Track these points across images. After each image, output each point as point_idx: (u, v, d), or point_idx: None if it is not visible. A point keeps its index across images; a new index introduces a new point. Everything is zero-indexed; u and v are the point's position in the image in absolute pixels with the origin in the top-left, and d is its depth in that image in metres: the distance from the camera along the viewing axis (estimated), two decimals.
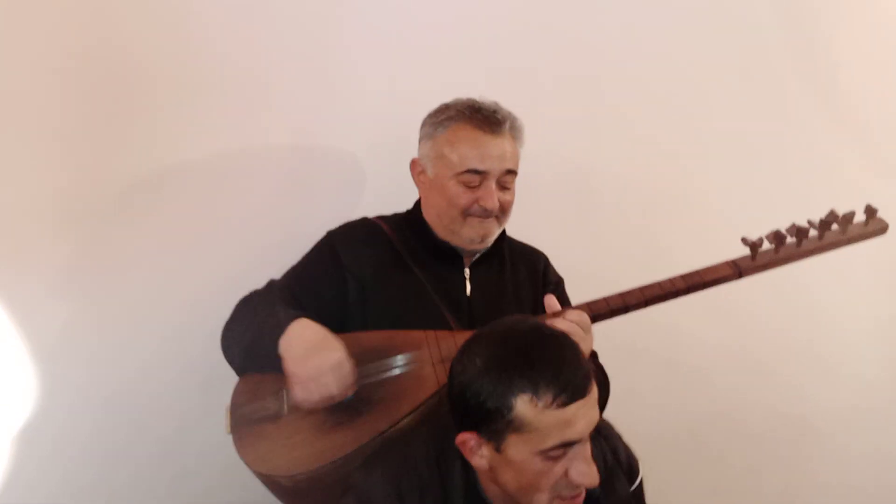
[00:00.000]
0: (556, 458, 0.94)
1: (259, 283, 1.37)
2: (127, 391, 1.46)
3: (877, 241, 1.35)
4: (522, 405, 0.92)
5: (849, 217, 1.30)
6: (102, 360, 1.43)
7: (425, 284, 1.29)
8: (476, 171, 1.25)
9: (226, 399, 1.26)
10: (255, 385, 1.19)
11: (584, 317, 1.21)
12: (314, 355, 1.11)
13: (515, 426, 0.93)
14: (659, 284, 1.27)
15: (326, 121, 1.57)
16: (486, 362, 0.95)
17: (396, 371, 1.19)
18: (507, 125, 1.28)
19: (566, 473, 0.95)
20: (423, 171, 1.32)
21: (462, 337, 1.17)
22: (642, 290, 1.26)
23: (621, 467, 1.14)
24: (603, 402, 1.32)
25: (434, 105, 1.35)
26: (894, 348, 2.23)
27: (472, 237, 1.29)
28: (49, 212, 1.34)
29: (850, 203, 1.32)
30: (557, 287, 1.46)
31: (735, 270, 1.28)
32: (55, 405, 1.38)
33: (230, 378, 1.31)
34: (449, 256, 1.33)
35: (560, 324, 1.18)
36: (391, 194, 1.46)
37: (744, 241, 1.28)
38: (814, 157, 2.05)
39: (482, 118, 1.26)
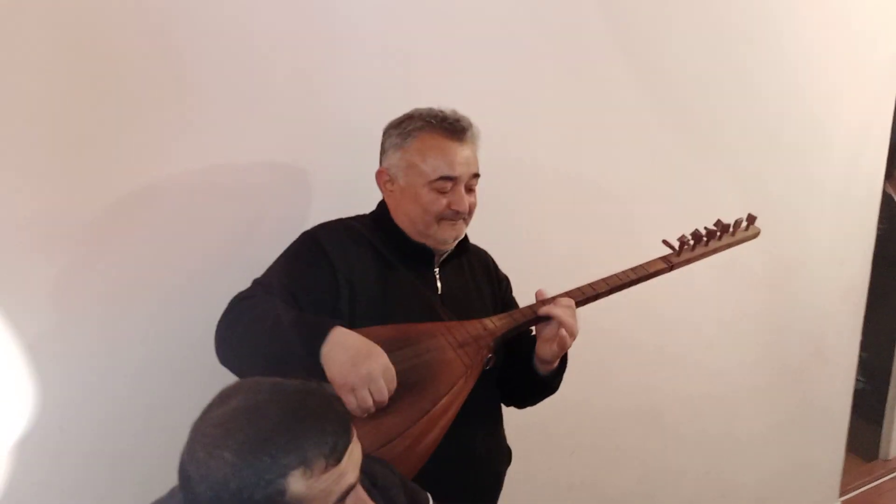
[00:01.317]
0: None
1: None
2: (127, 398, 1.46)
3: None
4: (296, 482, 0.81)
5: (738, 223, 1.56)
6: (102, 367, 1.43)
7: (414, 281, 1.34)
8: (448, 178, 1.29)
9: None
10: None
11: (573, 303, 1.33)
12: (363, 362, 1.11)
13: None
14: (616, 276, 1.43)
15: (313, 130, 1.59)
16: (240, 451, 0.80)
17: (424, 357, 1.23)
18: (469, 132, 1.33)
19: None
20: (390, 180, 1.35)
21: (469, 326, 1.29)
22: (606, 280, 1.42)
23: None
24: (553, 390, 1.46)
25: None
26: (736, 342, 2.46)
27: (446, 238, 1.34)
28: (41, 218, 1.34)
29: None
30: (507, 283, 1.55)
31: (668, 264, 1.48)
32: (54, 411, 1.37)
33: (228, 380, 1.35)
34: (423, 257, 1.37)
35: (554, 309, 1.29)
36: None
37: (665, 242, 1.51)
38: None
39: (448, 127, 1.30)
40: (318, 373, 1.12)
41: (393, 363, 1.16)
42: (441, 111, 1.32)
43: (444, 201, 1.30)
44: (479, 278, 1.47)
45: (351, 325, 1.20)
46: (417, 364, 1.21)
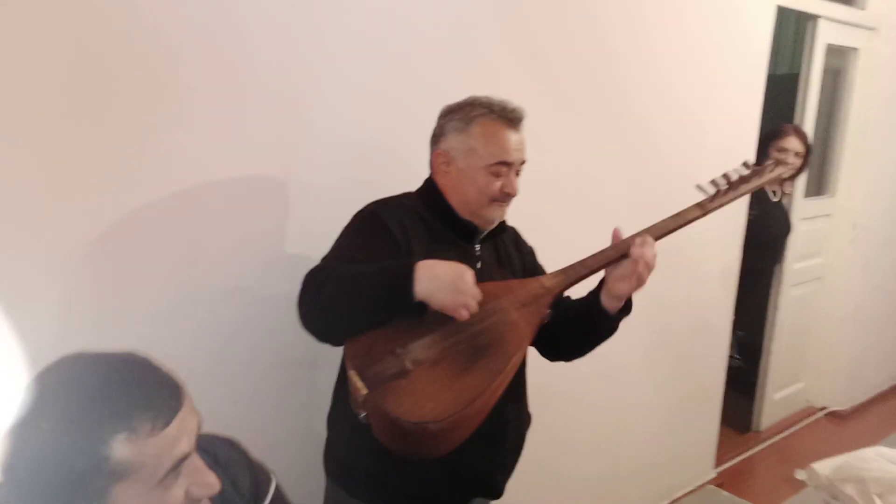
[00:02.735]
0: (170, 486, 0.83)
1: (254, 282, 1.56)
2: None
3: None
4: (120, 448, 0.78)
5: (767, 166, 1.59)
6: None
7: (462, 255, 1.41)
8: (504, 163, 1.39)
9: (222, 396, 1.44)
10: (367, 348, 1.25)
11: (650, 238, 1.39)
12: (458, 280, 1.21)
13: (118, 474, 0.79)
14: (656, 226, 1.45)
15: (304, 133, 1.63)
16: (57, 420, 0.78)
17: (490, 320, 1.30)
18: (523, 121, 1.43)
19: (187, 494, 0.85)
20: (446, 162, 1.43)
21: (528, 285, 1.37)
22: (648, 230, 1.44)
23: (243, 499, 1.04)
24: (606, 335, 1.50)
25: None
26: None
27: (494, 218, 1.45)
28: (41, 209, 1.31)
29: None
30: (532, 253, 1.64)
31: (703, 210, 1.50)
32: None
33: (226, 377, 1.52)
34: (468, 234, 1.46)
35: (637, 249, 1.35)
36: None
37: (698, 186, 1.52)
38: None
39: (507, 115, 1.40)
40: (416, 308, 1.21)
41: (466, 324, 1.26)
42: (499, 100, 1.41)
43: (498, 184, 1.40)
44: (511, 253, 1.57)
45: None
46: (487, 326, 1.30)
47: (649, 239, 1.38)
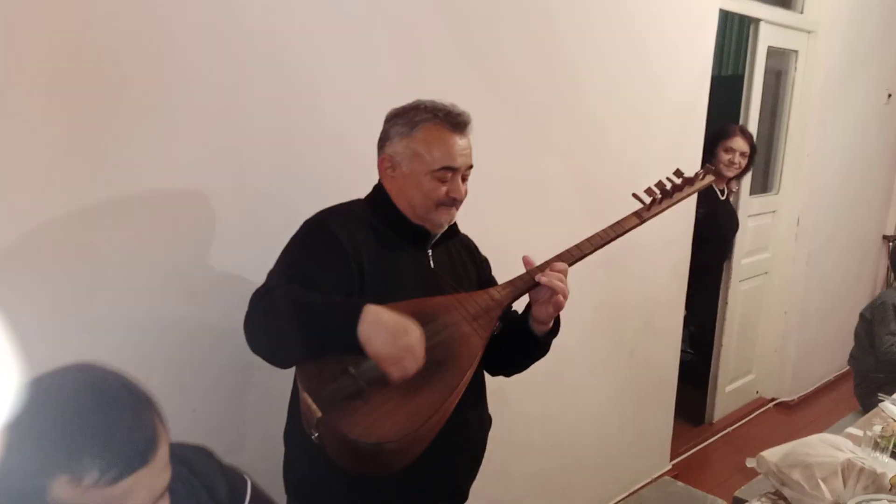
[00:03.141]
0: None
1: (208, 283, 1.55)
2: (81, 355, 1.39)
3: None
4: (59, 488, 0.75)
5: (697, 175, 1.66)
6: (56, 321, 1.38)
7: (412, 259, 1.42)
8: (449, 168, 1.38)
9: (177, 400, 1.45)
10: (317, 371, 1.23)
11: (565, 266, 1.41)
12: (402, 336, 1.19)
13: None
14: (598, 235, 1.51)
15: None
16: (19, 432, 0.75)
17: (443, 335, 1.30)
18: (469, 126, 1.41)
19: None
20: (392, 167, 1.42)
21: (478, 297, 1.38)
22: (589, 240, 1.50)
23: None
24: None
25: None
26: (573, 320, 2.55)
27: (442, 222, 1.44)
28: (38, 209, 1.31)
29: None
30: (487, 264, 1.66)
31: (639, 219, 1.55)
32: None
33: (180, 380, 1.53)
34: (420, 238, 1.45)
35: (546, 277, 1.37)
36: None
37: (634, 195, 1.56)
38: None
39: (452, 120, 1.38)
40: (357, 350, 1.19)
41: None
42: (444, 104, 1.40)
43: (443, 189, 1.39)
44: (465, 259, 1.57)
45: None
46: (440, 341, 1.30)
47: (562, 266, 1.41)
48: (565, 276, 1.41)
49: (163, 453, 0.84)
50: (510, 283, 1.43)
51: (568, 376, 2.62)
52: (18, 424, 0.76)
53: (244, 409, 1.70)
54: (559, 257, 1.45)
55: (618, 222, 1.54)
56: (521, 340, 1.49)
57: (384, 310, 1.21)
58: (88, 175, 1.39)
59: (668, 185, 1.58)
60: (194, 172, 1.54)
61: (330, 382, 1.21)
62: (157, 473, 0.82)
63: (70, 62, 1.34)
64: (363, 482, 1.36)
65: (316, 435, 1.21)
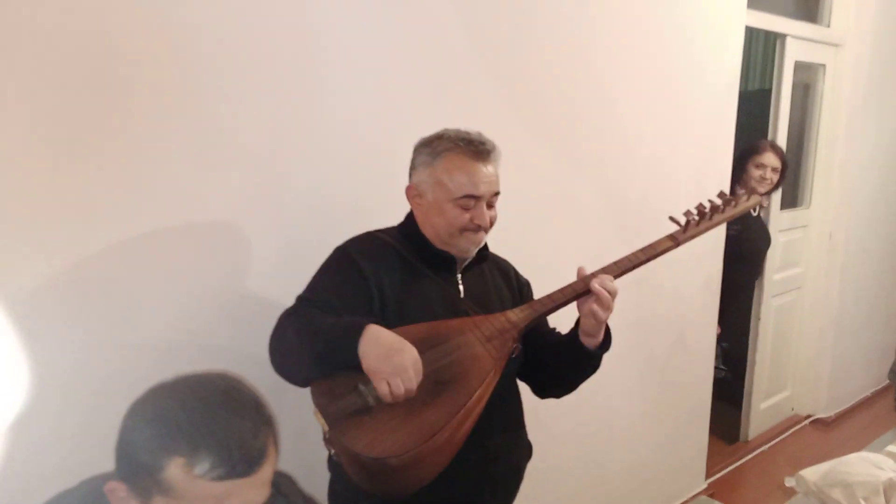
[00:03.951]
0: None
1: (251, 282, 1.61)
2: (119, 379, 1.45)
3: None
4: (174, 468, 0.85)
5: (740, 196, 1.62)
6: (95, 347, 1.44)
7: (438, 285, 1.46)
8: (472, 196, 1.41)
9: None
10: (328, 388, 1.28)
11: (610, 277, 1.42)
12: (395, 355, 1.22)
13: (163, 488, 0.86)
14: (627, 258, 1.50)
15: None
16: (154, 412, 0.88)
17: (454, 355, 1.33)
18: (493, 152, 1.44)
19: None
20: (419, 195, 1.46)
21: (494, 320, 1.39)
22: (617, 263, 1.49)
23: None
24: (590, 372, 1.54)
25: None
26: None
27: (468, 248, 1.46)
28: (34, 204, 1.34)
29: None
30: (528, 287, 1.67)
31: (674, 241, 1.55)
32: (47, 392, 1.38)
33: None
34: (447, 263, 1.48)
35: (595, 284, 1.39)
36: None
37: (671, 218, 1.56)
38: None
39: (473, 149, 1.41)
40: (357, 366, 1.23)
41: (429, 361, 1.28)
42: (468, 133, 1.44)
43: (467, 216, 1.42)
44: (499, 283, 1.59)
45: (385, 327, 1.30)
46: (451, 361, 1.32)
47: (605, 276, 1.42)
48: (613, 292, 1.41)
49: (267, 471, 0.91)
50: (529, 305, 1.45)
51: (601, 396, 2.61)
52: (154, 404, 0.88)
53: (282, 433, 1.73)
54: (614, 265, 1.47)
55: (650, 245, 1.53)
56: (571, 356, 1.49)
57: (385, 330, 1.26)
58: (131, 206, 1.45)
59: (707, 208, 1.57)
60: (232, 201, 1.59)
61: (340, 399, 1.26)
62: (256, 487, 0.90)
63: (114, 97, 1.40)
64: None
65: (333, 452, 1.25)
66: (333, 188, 1.75)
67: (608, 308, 1.40)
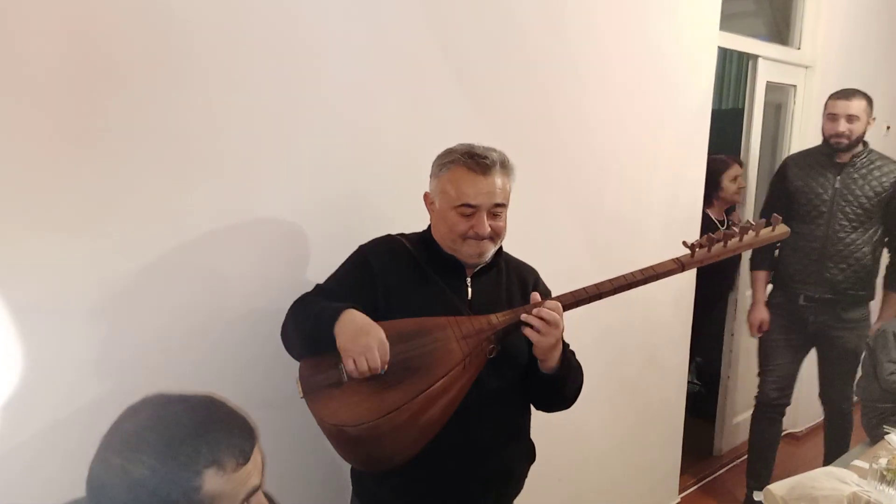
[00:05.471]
0: None
1: (254, 277, 1.70)
2: (126, 370, 1.50)
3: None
4: (210, 480, 0.91)
5: (760, 224, 1.64)
6: (101, 338, 1.47)
7: (443, 288, 1.57)
8: (469, 205, 1.51)
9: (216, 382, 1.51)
10: (316, 362, 1.45)
11: (556, 305, 1.48)
12: (363, 336, 1.37)
13: (206, 503, 0.91)
14: (623, 277, 1.57)
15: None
16: (158, 455, 0.90)
17: (428, 347, 1.45)
18: (498, 166, 1.52)
19: None
20: (432, 203, 1.60)
21: (476, 320, 1.49)
22: (611, 281, 1.56)
23: None
24: (576, 393, 1.64)
25: None
26: (579, 359, 2.69)
27: (471, 254, 1.56)
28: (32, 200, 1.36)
29: None
30: (547, 296, 1.67)
31: (679, 265, 1.61)
32: (53, 384, 1.41)
33: (221, 360, 1.64)
34: (454, 268, 1.59)
35: (533, 314, 1.44)
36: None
37: (684, 243, 1.61)
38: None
39: (475, 162, 1.51)
40: (335, 344, 1.38)
41: (405, 349, 1.43)
42: (473, 147, 1.54)
43: (467, 224, 1.53)
44: (514, 290, 1.66)
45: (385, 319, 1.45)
46: (424, 352, 1.45)
47: (554, 304, 1.47)
48: (558, 314, 1.46)
49: (258, 453, 1.00)
50: (512, 310, 1.52)
51: (573, 415, 2.59)
52: (152, 450, 0.90)
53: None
54: (573, 293, 1.54)
55: (651, 266, 1.58)
56: (534, 377, 1.58)
57: (360, 314, 1.42)
58: (131, 210, 1.45)
59: (721, 236, 1.61)
60: (211, 216, 1.61)
61: (320, 373, 1.43)
62: (259, 452, 0.99)
63: (154, 107, 1.44)
64: None
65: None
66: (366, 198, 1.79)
67: (545, 335, 1.44)
